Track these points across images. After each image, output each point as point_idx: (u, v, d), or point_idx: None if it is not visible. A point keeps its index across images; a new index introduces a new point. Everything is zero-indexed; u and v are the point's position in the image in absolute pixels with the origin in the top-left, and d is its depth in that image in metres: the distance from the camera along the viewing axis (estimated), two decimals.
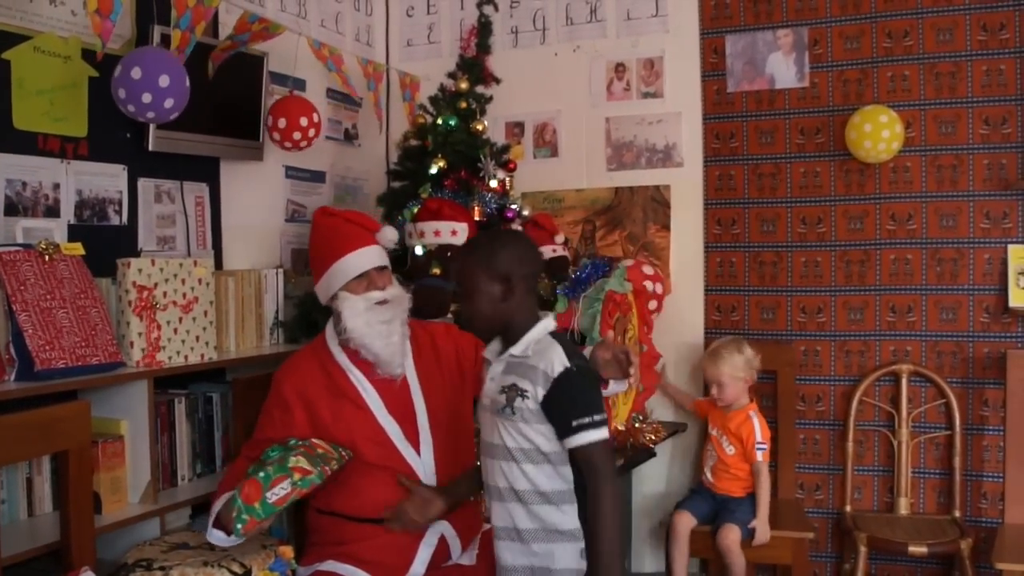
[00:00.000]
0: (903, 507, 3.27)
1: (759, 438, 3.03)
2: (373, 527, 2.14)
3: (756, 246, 3.54)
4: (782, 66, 3.47)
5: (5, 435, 1.86)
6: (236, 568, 2.01)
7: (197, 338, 2.53)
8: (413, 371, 2.26)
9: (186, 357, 2.50)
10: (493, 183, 3.00)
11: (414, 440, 2.20)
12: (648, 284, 3.33)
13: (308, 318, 2.92)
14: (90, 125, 2.55)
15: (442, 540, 2.19)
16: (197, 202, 2.96)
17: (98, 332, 2.27)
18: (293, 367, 2.26)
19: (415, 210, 2.95)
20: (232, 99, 2.94)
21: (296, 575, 2.17)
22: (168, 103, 2.31)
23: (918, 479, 3.31)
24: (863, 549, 3.05)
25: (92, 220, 2.59)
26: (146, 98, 2.27)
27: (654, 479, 3.59)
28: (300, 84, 3.22)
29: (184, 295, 2.49)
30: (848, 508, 3.32)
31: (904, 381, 3.30)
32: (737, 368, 3.09)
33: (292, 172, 3.42)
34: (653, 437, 3.15)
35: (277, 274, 3.04)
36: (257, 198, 3.23)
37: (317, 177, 3.56)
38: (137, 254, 2.70)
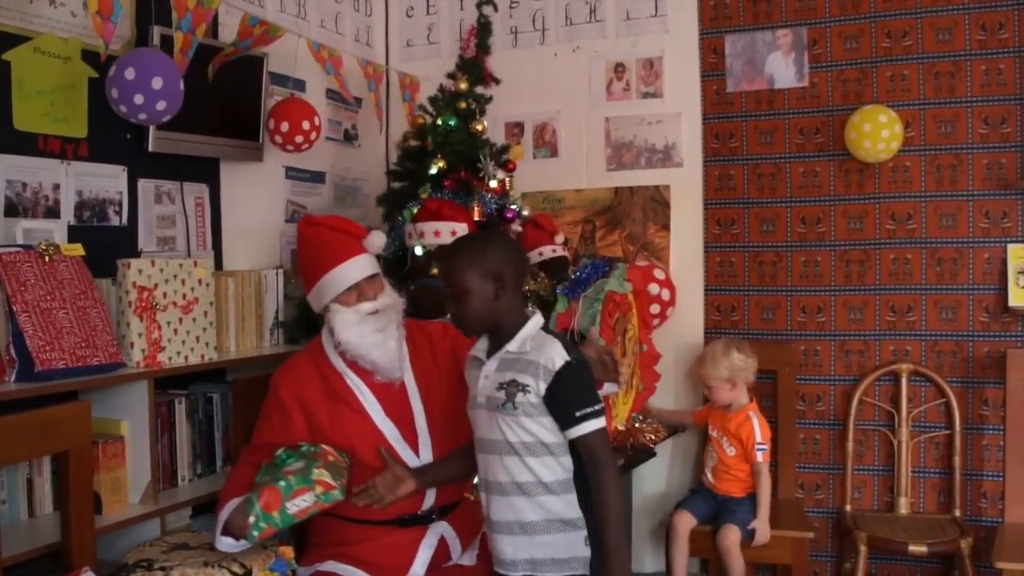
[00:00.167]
0: (903, 507, 3.27)
1: (759, 438, 3.03)
2: (374, 528, 2.14)
3: (756, 246, 3.54)
4: (781, 66, 3.47)
5: (5, 436, 1.86)
6: (236, 568, 2.00)
7: (197, 339, 2.54)
8: (410, 373, 2.25)
9: (186, 358, 2.50)
10: (493, 183, 3.00)
11: (412, 442, 2.19)
12: (654, 288, 3.33)
13: (308, 318, 2.92)
14: (90, 126, 2.55)
15: (442, 541, 2.19)
16: (197, 203, 2.96)
17: (98, 333, 2.27)
18: (289, 371, 2.25)
19: (415, 210, 2.95)
20: (232, 100, 2.94)
21: (296, 575, 2.17)
22: (160, 105, 2.31)
23: (918, 478, 3.31)
24: (863, 549, 3.05)
25: (92, 221, 2.59)
26: (138, 99, 2.27)
27: (654, 479, 3.59)
28: (300, 85, 3.22)
29: (184, 296, 2.49)
30: (848, 508, 3.33)
31: (904, 381, 3.30)
32: (721, 370, 3.07)
33: (292, 173, 3.42)
34: (653, 437, 3.16)
35: (277, 274, 3.04)
36: (257, 199, 3.23)
37: (317, 178, 3.56)
38: (137, 255, 2.70)
